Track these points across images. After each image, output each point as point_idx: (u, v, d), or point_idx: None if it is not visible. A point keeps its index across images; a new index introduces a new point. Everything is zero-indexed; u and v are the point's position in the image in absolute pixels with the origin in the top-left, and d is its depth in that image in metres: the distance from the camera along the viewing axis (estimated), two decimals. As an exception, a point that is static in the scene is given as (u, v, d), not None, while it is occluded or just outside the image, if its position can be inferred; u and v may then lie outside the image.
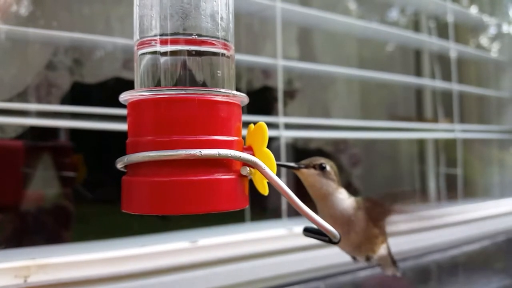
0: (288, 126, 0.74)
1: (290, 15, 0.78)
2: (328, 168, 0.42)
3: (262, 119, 0.71)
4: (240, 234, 0.64)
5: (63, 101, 0.75)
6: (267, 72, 0.94)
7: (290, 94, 1.04)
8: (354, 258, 0.47)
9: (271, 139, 0.71)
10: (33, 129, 0.68)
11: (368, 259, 0.47)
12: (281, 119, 0.72)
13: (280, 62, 0.73)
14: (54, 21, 0.75)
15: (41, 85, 0.75)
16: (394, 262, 0.49)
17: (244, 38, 0.90)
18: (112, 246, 0.55)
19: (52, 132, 0.73)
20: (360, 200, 0.44)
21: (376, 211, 0.45)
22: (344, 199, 0.43)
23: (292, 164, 0.43)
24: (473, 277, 0.89)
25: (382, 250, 0.47)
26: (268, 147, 0.32)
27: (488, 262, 0.96)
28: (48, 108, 0.65)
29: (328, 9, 0.85)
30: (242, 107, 0.30)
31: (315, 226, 0.33)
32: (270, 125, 0.72)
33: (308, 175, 0.42)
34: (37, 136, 0.70)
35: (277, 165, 0.35)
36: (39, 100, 0.74)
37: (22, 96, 0.70)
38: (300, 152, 1.03)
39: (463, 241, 0.91)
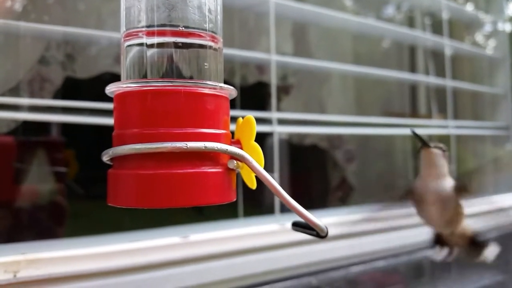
0: (283, 122, 0.74)
1: (284, 10, 0.78)
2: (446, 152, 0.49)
3: (255, 115, 0.71)
4: (232, 230, 0.63)
5: (56, 96, 0.75)
6: (262, 67, 0.93)
7: (284, 90, 1.03)
8: (438, 237, 0.56)
9: (265, 135, 0.71)
10: (25, 124, 0.67)
11: (452, 234, 0.55)
12: (274, 115, 0.72)
13: (274, 57, 0.73)
14: (45, 16, 0.74)
15: (33, 80, 0.75)
16: (474, 242, 0.56)
17: (239, 33, 0.90)
18: (102, 241, 0.55)
19: (44, 127, 0.72)
20: (455, 180, 0.50)
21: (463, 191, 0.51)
22: (449, 180, 0.50)
23: (427, 142, 0.50)
24: (466, 273, 0.89)
25: (462, 227, 0.54)
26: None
27: (480, 258, 0.96)
28: (41, 102, 0.64)
29: (323, 5, 0.85)
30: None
31: (303, 220, 0.33)
32: (264, 121, 0.72)
33: (435, 154, 0.48)
34: (29, 131, 0.70)
35: (416, 135, 0.45)
36: (32, 95, 0.73)
37: (14, 91, 0.70)
38: (295, 148, 1.03)
39: (456, 237, 0.91)
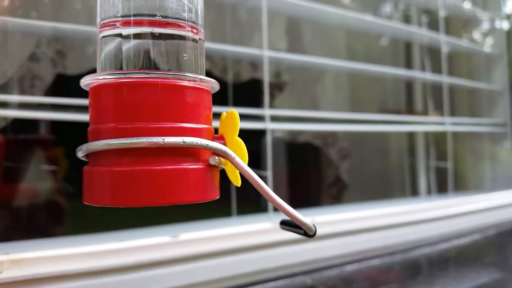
0: (277, 119, 0.72)
1: (277, 5, 0.77)
2: None
3: (247, 112, 0.70)
4: (223, 228, 0.62)
5: (46, 93, 0.74)
6: (255, 64, 0.92)
7: (278, 87, 1.02)
8: None
9: (261, 133, 0.70)
10: (14, 122, 0.66)
11: None
12: (266, 111, 0.70)
13: (266, 53, 0.72)
14: (35, 12, 0.73)
15: (24, 77, 0.73)
16: None
17: (231, 30, 0.88)
18: (90, 240, 0.54)
19: (33, 125, 0.71)
20: None
21: None
22: None
23: None
24: (463, 271, 0.88)
25: None
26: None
27: (478, 256, 0.95)
28: (30, 99, 0.63)
29: (319, 1, 0.84)
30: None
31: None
32: (256, 118, 0.70)
33: None
34: (18, 129, 0.68)
35: None
36: (22, 93, 0.72)
37: (4, 89, 0.69)
38: (288, 145, 1.02)
39: (453, 235, 0.91)
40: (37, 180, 0.70)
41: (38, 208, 0.69)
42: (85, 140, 0.29)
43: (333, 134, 1.07)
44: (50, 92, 0.74)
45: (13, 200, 0.67)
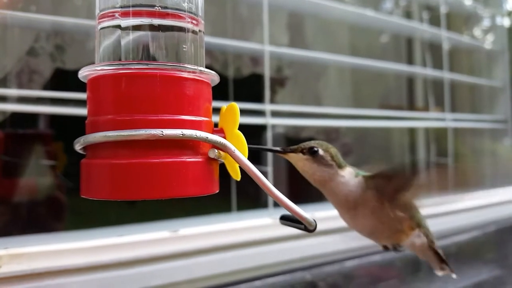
0: (278, 115, 0.72)
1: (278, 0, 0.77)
2: (320, 152, 0.38)
3: (248, 107, 0.70)
4: (223, 224, 0.62)
5: (45, 88, 0.73)
6: (256, 59, 0.92)
7: (279, 82, 1.02)
8: (384, 247, 0.42)
9: (260, 128, 0.70)
10: (13, 117, 0.66)
11: (395, 248, 0.41)
12: (267, 107, 0.70)
13: (267, 48, 0.71)
14: (34, 6, 0.73)
15: (22, 71, 0.73)
16: (439, 256, 0.42)
17: (232, 25, 0.88)
18: (89, 235, 0.53)
19: (32, 119, 0.71)
20: (371, 177, 0.38)
21: (391, 187, 0.38)
22: (348, 181, 0.38)
23: (277, 148, 0.40)
24: (463, 268, 0.88)
25: (415, 239, 0.40)
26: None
27: (478, 252, 0.95)
28: (29, 93, 0.63)
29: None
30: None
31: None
32: (257, 113, 0.70)
33: (296, 160, 0.39)
34: (17, 124, 0.68)
35: (261, 149, 0.32)
36: (21, 87, 0.72)
37: (2, 83, 0.68)
38: (291, 141, 1.02)
39: (453, 231, 0.90)
40: (36, 175, 0.69)
41: (37, 203, 0.69)
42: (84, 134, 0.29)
43: (336, 130, 1.07)
44: (49, 86, 0.73)
45: (12, 195, 0.66)
